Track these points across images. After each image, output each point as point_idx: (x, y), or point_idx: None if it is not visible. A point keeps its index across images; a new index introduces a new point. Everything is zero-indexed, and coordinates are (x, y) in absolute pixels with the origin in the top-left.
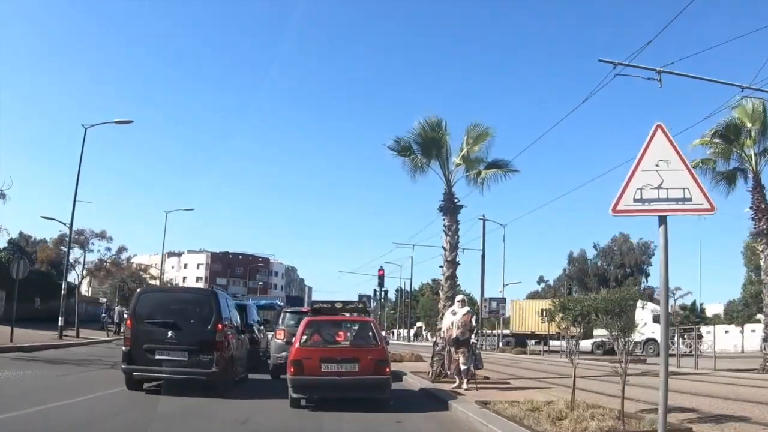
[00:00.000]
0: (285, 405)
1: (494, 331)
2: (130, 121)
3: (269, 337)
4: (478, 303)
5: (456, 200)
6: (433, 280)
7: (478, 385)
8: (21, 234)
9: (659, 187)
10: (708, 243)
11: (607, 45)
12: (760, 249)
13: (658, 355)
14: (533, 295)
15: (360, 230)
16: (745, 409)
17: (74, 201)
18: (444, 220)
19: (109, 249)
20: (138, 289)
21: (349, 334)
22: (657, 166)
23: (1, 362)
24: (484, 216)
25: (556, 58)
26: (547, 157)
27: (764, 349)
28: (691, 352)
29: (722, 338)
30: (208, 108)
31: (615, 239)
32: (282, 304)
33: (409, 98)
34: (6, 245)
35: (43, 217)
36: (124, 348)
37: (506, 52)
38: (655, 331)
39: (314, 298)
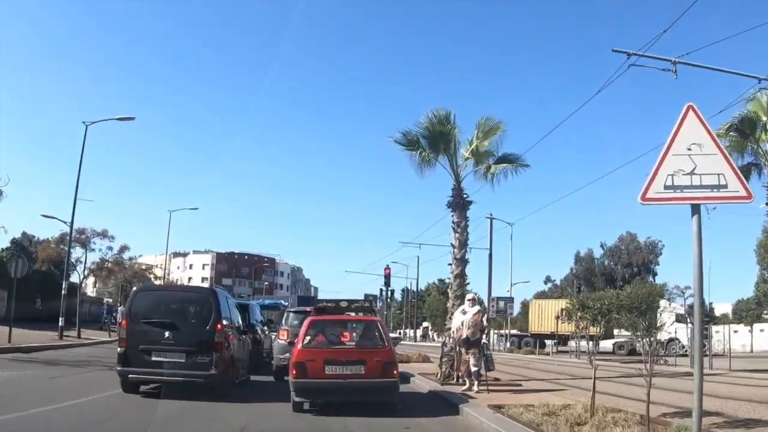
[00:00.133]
0: (287, 409)
1: (510, 331)
2: (132, 118)
3: (273, 337)
4: (486, 302)
5: (465, 196)
6: (440, 280)
7: (490, 388)
8: (24, 234)
9: (692, 173)
10: (718, 242)
11: (608, 45)
12: None
13: (679, 355)
14: (540, 295)
15: (365, 230)
16: None
17: (75, 199)
18: (452, 216)
19: (110, 248)
20: (134, 288)
21: (354, 334)
22: (689, 150)
23: None
24: (491, 215)
25: (556, 58)
26: (552, 156)
27: None
28: (705, 352)
29: (731, 338)
30: (209, 108)
31: (622, 238)
32: (286, 303)
33: (409, 98)
34: (9, 245)
35: (43, 215)
36: (119, 349)
37: (506, 52)
38: (675, 331)
39: (320, 298)
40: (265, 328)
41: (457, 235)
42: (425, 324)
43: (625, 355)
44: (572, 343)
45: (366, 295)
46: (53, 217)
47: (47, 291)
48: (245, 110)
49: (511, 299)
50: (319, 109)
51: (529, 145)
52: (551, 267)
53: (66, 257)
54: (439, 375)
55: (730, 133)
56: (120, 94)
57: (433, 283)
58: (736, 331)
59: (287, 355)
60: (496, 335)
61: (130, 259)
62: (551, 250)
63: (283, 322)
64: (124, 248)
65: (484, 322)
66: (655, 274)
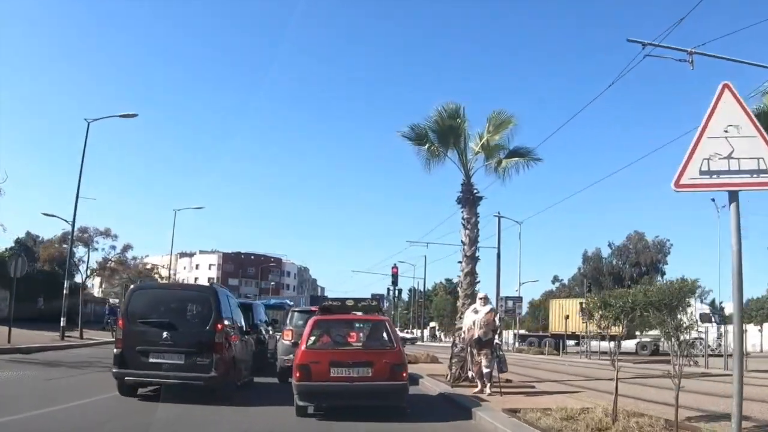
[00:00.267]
0: (291, 413)
1: (519, 331)
2: (135, 115)
3: (277, 337)
4: (494, 302)
5: (475, 191)
6: (447, 280)
7: (502, 390)
8: (28, 234)
9: (729, 157)
10: (725, 239)
11: (609, 45)
12: None
13: (703, 356)
14: (549, 295)
15: (372, 229)
16: None
17: (77, 197)
18: (462, 212)
19: (113, 247)
20: (131, 286)
21: (361, 334)
22: (726, 132)
23: None
24: (499, 213)
25: (556, 58)
26: (559, 155)
27: None
28: (718, 352)
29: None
30: (211, 107)
31: (630, 237)
32: (292, 303)
33: (410, 98)
34: (13, 245)
35: (44, 214)
36: (115, 350)
37: (506, 51)
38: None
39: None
40: (269, 328)
41: (467, 231)
42: (432, 324)
43: (649, 356)
44: (594, 344)
45: (373, 295)
46: (55, 216)
47: (50, 291)
48: (247, 110)
49: (519, 299)
50: (323, 109)
51: (550, 134)
52: (558, 266)
53: (68, 256)
54: (449, 376)
55: None
56: (121, 93)
57: (440, 282)
58: (745, 331)
59: (291, 356)
60: (514, 335)
61: (135, 258)
62: (558, 249)
63: (288, 322)
64: (127, 247)
65: (497, 322)
66: (663, 274)
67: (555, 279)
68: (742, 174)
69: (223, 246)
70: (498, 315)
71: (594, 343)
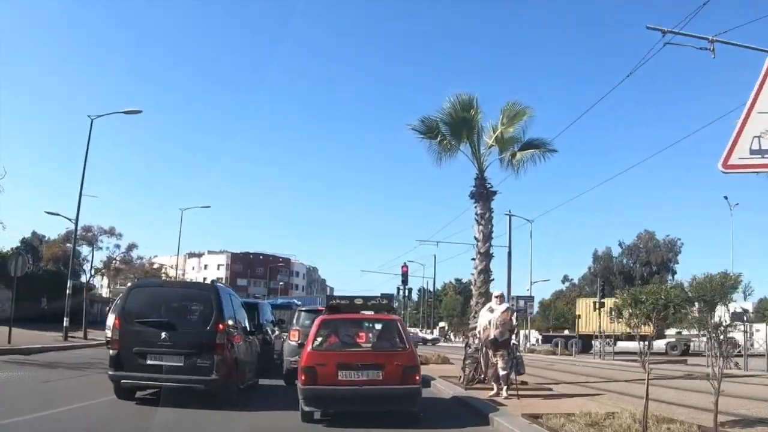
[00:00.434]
0: (296, 418)
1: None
2: (139, 111)
3: (284, 338)
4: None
5: (489, 185)
6: (457, 280)
7: (519, 393)
8: (34, 233)
9: None
10: (738, 238)
11: (612, 44)
12: None
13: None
14: (558, 295)
15: (381, 229)
16: None
17: (80, 195)
18: (476, 207)
19: (118, 246)
20: (128, 284)
21: (371, 335)
22: None
23: None
24: (509, 211)
25: (558, 57)
26: (567, 153)
27: None
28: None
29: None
30: (215, 107)
31: (640, 236)
32: (299, 303)
33: (415, 97)
34: (19, 244)
35: (47, 212)
36: (111, 351)
37: (507, 52)
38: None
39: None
40: (276, 328)
41: (480, 227)
42: (442, 324)
43: (679, 356)
44: (621, 344)
45: (383, 294)
46: (57, 214)
47: (54, 291)
48: (251, 109)
49: (531, 298)
50: (330, 109)
51: (566, 127)
52: (568, 266)
53: (71, 255)
54: (462, 378)
55: None
56: (125, 92)
57: (450, 282)
58: (758, 330)
59: (297, 357)
60: (542, 336)
61: (141, 258)
62: (568, 248)
63: (294, 321)
64: (132, 246)
65: (514, 321)
66: (674, 273)
67: (565, 278)
68: None
69: (231, 246)
70: (515, 314)
71: (623, 344)
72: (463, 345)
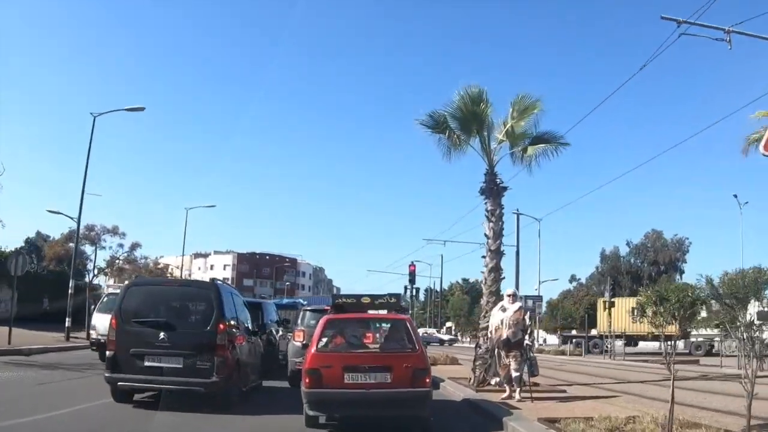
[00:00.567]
0: (300, 423)
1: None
2: (142, 108)
3: (289, 338)
4: None
5: (499, 181)
6: (464, 279)
7: (533, 395)
8: (38, 233)
9: None
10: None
11: (614, 44)
12: None
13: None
14: (566, 294)
15: (388, 228)
16: None
17: (82, 193)
18: (486, 204)
19: (121, 245)
20: (126, 282)
21: (378, 335)
22: None
23: None
24: (517, 210)
25: (561, 57)
26: (572, 153)
27: None
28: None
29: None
30: (219, 105)
31: (648, 236)
32: (305, 302)
33: (422, 95)
34: (23, 244)
35: (49, 211)
36: (107, 353)
37: (509, 51)
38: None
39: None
40: (280, 328)
41: (491, 224)
42: (449, 324)
43: (703, 356)
44: (643, 344)
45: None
46: (59, 213)
47: (56, 291)
48: (255, 109)
49: (539, 298)
50: (335, 108)
51: (579, 120)
52: (575, 265)
53: (73, 255)
54: (472, 380)
55: None
56: (129, 91)
57: (457, 282)
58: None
59: (302, 358)
60: (563, 337)
61: (146, 258)
62: (575, 247)
63: (299, 321)
64: (135, 245)
65: (527, 321)
66: (682, 272)
67: (572, 278)
68: None
69: (238, 246)
70: (528, 313)
71: (644, 344)
72: (473, 345)
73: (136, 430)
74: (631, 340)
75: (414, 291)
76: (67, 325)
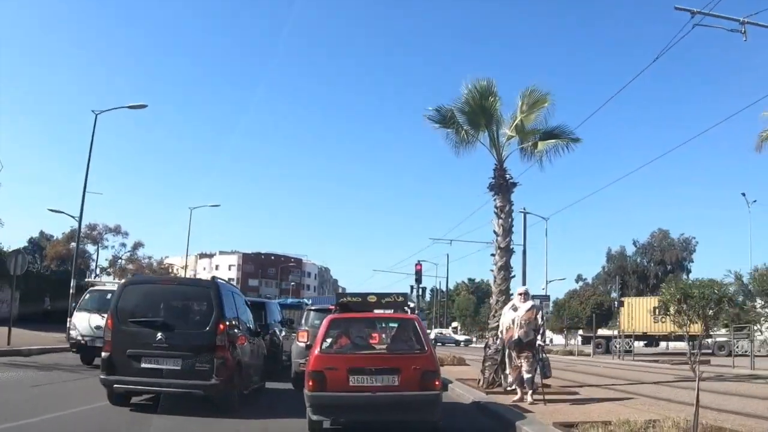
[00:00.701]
0: (303, 427)
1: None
2: (144, 106)
3: (293, 338)
4: None
5: (508, 177)
6: (469, 279)
7: (546, 397)
8: (42, 233)
9: None
10: (755, 236)
11: (619, 43)
12: None
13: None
14: (572, 294)
15: (393, 228)
16: None
17: (84, 191)
18: (495, 200)
19: (124, 245)
20: (122, 280)
21: (385, 336)
22: None
23: None
24: (524, 209)
25: (563, 57)
26: (578, 152)
27: None
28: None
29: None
30: (223, 104)
31: (654, 235)
32: (309, 302)
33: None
34: (26, 244)
35: (50, 210)
36: (103, 353)
37: (511, 50)
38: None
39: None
40: (284, 329)
41: (500, 221)
42: (454, 324)
43: (726, 356)
44: (664, 344)
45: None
46: (61, 212)
47: (58, 290)
48: (256, 109)
49: (546, 297)
50: (341, 108)
51: (593, 112)
52: (581, 264)
53: (74, 254)
54: (481, 381)
55: None
56: (132, 90)
57: (462, 282)
58: None
59: (306, 360)
60: (585, 338)
61: (150, 257)
62: (581, 246)
63: (303, 322)
64: (138, 245)
65: (539, 320)
66: (689, 272)
67: (579, 278)
68: None
69: (243, 247)
70: (540, 312)
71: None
72: (482, 346)
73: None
74: (653, 340)
75: (420, 291)
76: (68, 325)
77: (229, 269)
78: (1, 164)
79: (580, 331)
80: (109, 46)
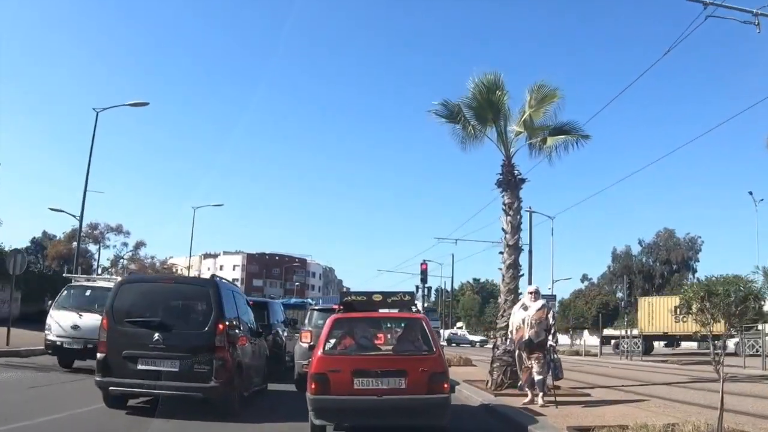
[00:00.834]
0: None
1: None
2: (146, 104)
3: (296, 338)
4: None
5: (517, 172)
6: (474, 279)
7: (557, 400)
8: (45, 233)
9: None
10: (765, 234)
11: (621, 42)
12: None
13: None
14: (577, 294)
15: (398, 227)
16: None
17: (85, 190)
18: (503, 196)
19: (125, 244)
20: (118, 279)
21: (391, 336)
22: None
23: None
24: (530, 208)
25: (567, 56)
26: (583, 151)
27: None
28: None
29: None
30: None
31: (659, 234)
32: (313, 302)
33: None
34: (29, 244)
35: (51, 209)
36: (98, 354)
37: (514, 48)
38: None
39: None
40: (286, 329)
41: (508, 218)
42: (459, 324)
43: (733, 356)
44: (686, 345)
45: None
46: (61, 211)
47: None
48: (258, 108)
49: (553, 297)
50: (345, 108)
51: (604, 105)
52: (586, 264)
53: (75, 253)
54: (490, 383)
55: None
56: (131, 86)
57: (467, 282)
58: None
59: (309, 361)
60: (608, 339)
61: (152, 257)
62: (586, 246)
63: (306, 322)
64: (140, 244)
65: (550, 320)
66: (695, 271)
67: (584, 277)
68: None
69: (247, 247)
70: (552, 312)
71: (687, 344)
72: (491, 346)
73: None
74: (674, 340)
75: (426, 290)
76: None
77: (234, 269)
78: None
79: (604, 331)
80: (110, 45)
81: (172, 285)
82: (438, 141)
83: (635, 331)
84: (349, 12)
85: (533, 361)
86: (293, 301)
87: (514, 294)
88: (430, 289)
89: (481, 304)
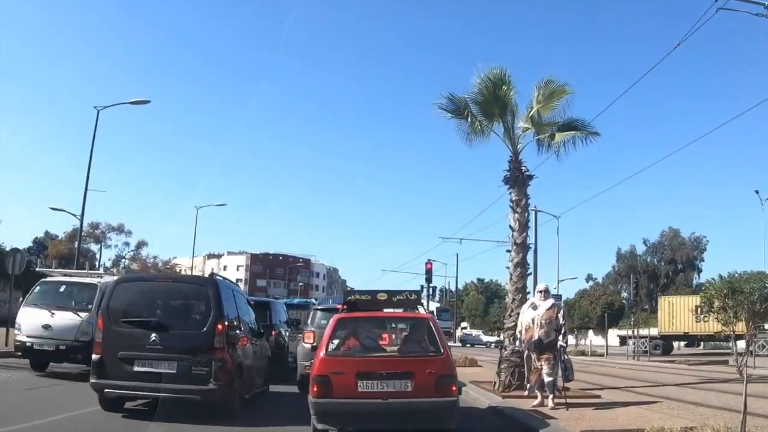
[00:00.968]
0: None
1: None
2: (147, 102)
3: (299, 339)
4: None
5: (524, 169)
6: (478, 279)
7: (568, 402)
8: (47, 233)
9: None
10: None
11: (625, 40)
12: None
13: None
14: (582, 294)
15: (402, 227)
16: None
17: (85, 189)
18: (510, 193)
19: (127, 244)
20: (114, 278)
21: (396, 337)
22: None
23: None
24: (535, 207)
25: (566, 53)
26: (588, 151)
27: None
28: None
29: None
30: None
31: (664, 234)
32: (316, 302)
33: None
34: (31, 244)
35: (52, 208)
36: (93, 356)
37: (517, 44)
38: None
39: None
40: (290, 329)
41: (516, 215)
42: (464, 324)
43: (757, 357)
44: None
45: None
46: (62, 210)
47: None
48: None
49: (558, 297)
50: (349, 107)
51: (614, 100)
52: (590, 264)
53: (76, 253)
54: (497, 384)
55: None
56: (133, 84)
57: (472, 282)
58: None
59: (312, 362)
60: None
61: (155, 257)
62: (591, 245)
63: (309, 322)
64: (141, 244)
65: (561, 320)
66: (700, 271)
67: (589, 277)
68: None
69: (250, 247)
70: (562, 311)
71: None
72: (499, 347)
73: None
74: (695, 340)
75: (431, 290)
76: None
77: (237, 270)
78: None
79: (628, 332)
80: (111, 42)
81: (169, 284)
82: (442, 139)
83: (643, 331)
84: (350, 9)
85: (543, 362)
86: (296, 301)
87: (522, 293)
88: (434, 288)
89: (485, 304)
